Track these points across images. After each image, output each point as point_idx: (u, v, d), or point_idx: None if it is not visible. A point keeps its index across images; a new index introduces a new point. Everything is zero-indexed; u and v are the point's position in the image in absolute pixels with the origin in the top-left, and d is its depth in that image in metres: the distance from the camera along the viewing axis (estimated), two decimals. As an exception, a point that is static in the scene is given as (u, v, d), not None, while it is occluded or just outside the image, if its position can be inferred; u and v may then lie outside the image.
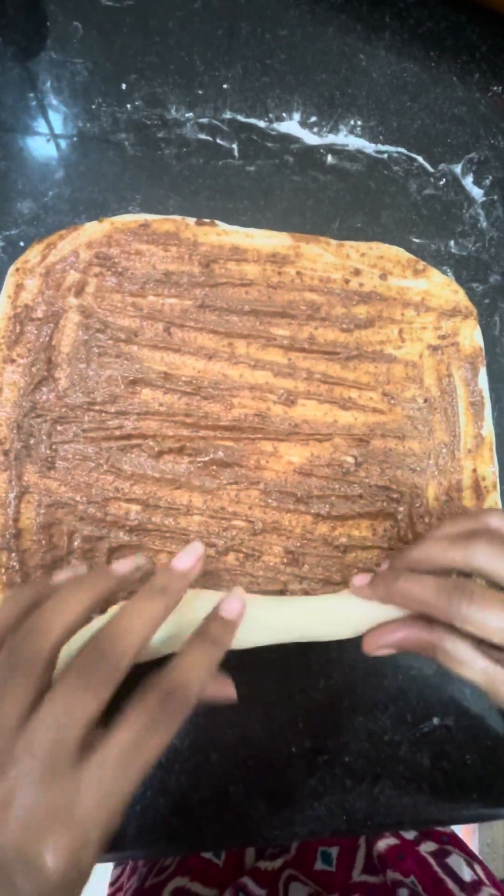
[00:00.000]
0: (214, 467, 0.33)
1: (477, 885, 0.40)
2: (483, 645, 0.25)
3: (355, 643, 0.34)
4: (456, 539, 0.26)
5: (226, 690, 0.28)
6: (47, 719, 0.20)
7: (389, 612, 0.29)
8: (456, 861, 0.43)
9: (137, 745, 0.21)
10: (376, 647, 0.28)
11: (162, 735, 0.21)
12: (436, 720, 0.34)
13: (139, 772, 0.21)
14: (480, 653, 0.25)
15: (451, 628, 0.26)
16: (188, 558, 0.27)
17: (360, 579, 0.29)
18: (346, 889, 0.40)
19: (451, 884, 0.40)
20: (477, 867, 0.42)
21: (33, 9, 0.38)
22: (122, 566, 0.27)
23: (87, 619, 0.25)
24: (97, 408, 0.33)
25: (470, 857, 0.44)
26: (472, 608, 0.24)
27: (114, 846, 0.31)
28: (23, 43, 0.38)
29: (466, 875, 0.41)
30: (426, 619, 0.27)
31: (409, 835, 0.44)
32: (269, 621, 0.30)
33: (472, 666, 0.25)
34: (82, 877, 0.20)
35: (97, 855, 0.20)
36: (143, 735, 0.21)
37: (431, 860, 0.43)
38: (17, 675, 0.21)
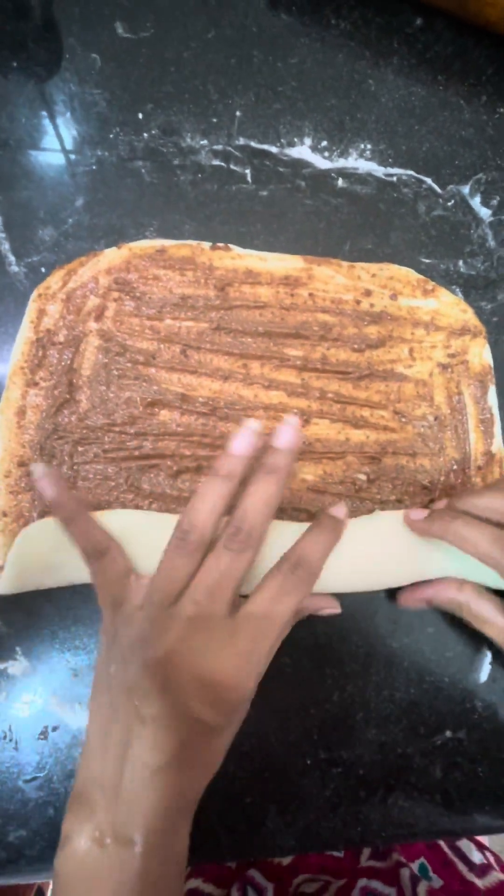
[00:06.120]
0: (230, 486, 0.34)
1: (486, 868, 0.40)
2: None
3: (369, 658, 0.34)
4: None
5: (330, 604, 0.32)
6: (207, 579, 0.26)
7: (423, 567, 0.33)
8: (466, 845, 0.44)
9: (274, 602, 0.26)
10: (411, 600, 0.32)
11: (293, 596, 0.27)
12: (448, 733, 0.34)
13: (278, 625, 0.26)
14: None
15: (480, 590, 0.30)
16: (286, 435, 0.30)
17: (416, 513, 0.32)
18: (354, 874, 0.41)
19: (460, 865, 0.41)
20: (487, 853, 0.43)
21: (51, 39, 0.40)
22: (240, 444, 0.30)
23: (232, 500, 0.29)
24: (117, 429, 0.34)
25: (481, 846, 0.44)
26: None
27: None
28: (43, 74, 0.39)
29: (476, 858, 0.42)
30: (458, 581, 0.31)
31: None
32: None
33: (493, 624, 0.30)
34: (251, 692, 0.26)
35: (254, 684, 0.26)
36: (278, 595, 0.27)
37: (441, 842, 0.44)
38: (183, 552, 0.27)
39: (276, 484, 0.28)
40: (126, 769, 0.25)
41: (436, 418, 0.37)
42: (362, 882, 0.39)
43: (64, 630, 0.33)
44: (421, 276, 0.38)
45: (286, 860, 0.42)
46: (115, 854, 0.24)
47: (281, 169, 0.39)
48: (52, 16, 0.40)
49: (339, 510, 0.31)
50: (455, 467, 0.36)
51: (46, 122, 0.38)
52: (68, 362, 0.34)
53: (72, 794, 0.27)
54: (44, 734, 0.32)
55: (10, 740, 0.32)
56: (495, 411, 0.37)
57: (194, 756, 0.26)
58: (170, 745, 0.25)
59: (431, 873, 0.39)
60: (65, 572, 0.32)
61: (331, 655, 0.34)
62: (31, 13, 0.40)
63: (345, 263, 0.38)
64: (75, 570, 0.31)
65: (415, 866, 0.41)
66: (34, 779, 0.32)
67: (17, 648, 0.33)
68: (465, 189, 0.41)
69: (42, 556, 0.31)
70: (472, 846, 0.43)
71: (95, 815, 0.25)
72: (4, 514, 0.32)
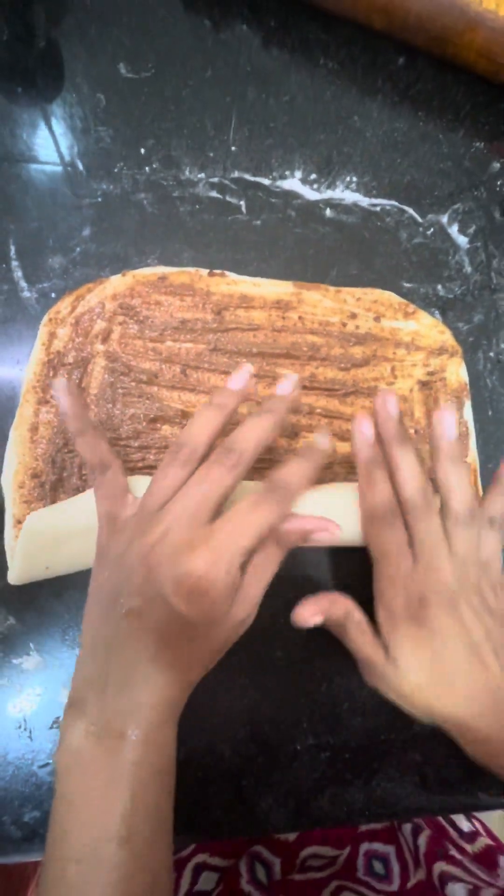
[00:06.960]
0: (227, 495, 0.37)
1: (475, 834, 0.43)
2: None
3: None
4: None
5: (322, 524, 0.31)
6: (195, 488, 0.29)
7: None
8: (456, 815, 0.47)
9: (248, 511, 0.28)
10: (307, 615, 0.32)
11: (266, 508, 0.29)
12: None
13: (251, 532, 0.28)
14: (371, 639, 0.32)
15: (366, 623, 0.33)
16: (286, 386, 0.33)
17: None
18: (356, 838, 0.44)
19: (452, 832, 0.44)
20: (475, 822, 0.47)
21: (53, 65, 0.42)
22: (237, 381, 0.33)
23: (224, 428, 0.32)
24: (122, 443, 0.37)
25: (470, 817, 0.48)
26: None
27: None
28: (46, 105, 0.42)
29: (465, 826, 0.45)
30: (349, 603, 0.33)
31: None
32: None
33: (359, 650, 0.32)
34: (223, 588, 0.27)
35: (229, 581, 0.27)
36: (253, 506, 0.29)
37: None
38: (176, 463, 0.30)
39: (269, 421, 0.31)
40: (112, 665, 0.27)
41: (416, 431, 0.40)
42: (364, 847, 0.43)
43: (73, 628, 0.36)
44: (402, 300, 0.41)
45: (291, 835, 0.46)
46: (108, 747, 0.26)
47: (273, 200, 0.42)
48: (56, 42, 0.42)
49: (323, 440, 0.32)
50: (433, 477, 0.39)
51: (55, 154, 0.41)
52: (77, 382, 0.37)
53: (67, 700, 0.29)
54: (56, 723, 0.35)
55: (25, 729, 0.35)
56: (471, 425, 0.40)
57: (174, 654, 0.28)
58: (150, 639, 0.27)
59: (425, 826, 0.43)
60: (69, 555, 0.34)
61: (320, 649, 0.37)
62: (34, 40, 0.43)
63: (332, 288, 0.41)
64: (79, 555, 0.34)
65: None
66: (47, 765, 0.35)
67: (31, 644, 0.36)
68: (444, 218, 0.44)
69: (48, 537, 0.34)
70: (462, 816, 0.46)
71: (87, 712, 0.27)
72: (19, 522, 0.35)
